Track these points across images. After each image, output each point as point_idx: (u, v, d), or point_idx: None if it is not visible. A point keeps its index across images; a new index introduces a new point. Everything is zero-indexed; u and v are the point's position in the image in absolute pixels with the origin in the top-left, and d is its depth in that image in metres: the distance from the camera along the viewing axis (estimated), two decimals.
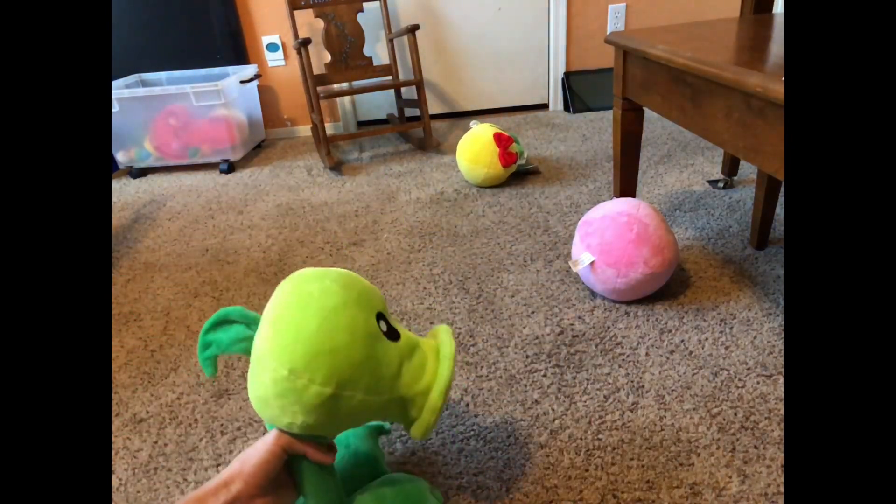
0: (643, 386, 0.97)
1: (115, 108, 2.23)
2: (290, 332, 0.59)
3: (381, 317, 0.65)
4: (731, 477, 0.79)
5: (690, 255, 1.36)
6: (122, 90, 2.22)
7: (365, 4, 2.43)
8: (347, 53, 2.44)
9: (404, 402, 0.66)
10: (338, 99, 2.71)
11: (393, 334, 0.66)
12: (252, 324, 0.64)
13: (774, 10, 1.70)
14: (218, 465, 0.89)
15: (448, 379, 0.65)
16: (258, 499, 0.60)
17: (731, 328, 1.09)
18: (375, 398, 0.63)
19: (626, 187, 1.35)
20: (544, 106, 2.84)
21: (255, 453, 0.61)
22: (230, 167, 2.33)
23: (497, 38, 2.68)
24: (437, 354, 0.67)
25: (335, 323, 0.60)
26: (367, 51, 2.47)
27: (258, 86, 2.60)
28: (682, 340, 1.07)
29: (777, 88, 0.70)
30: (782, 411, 0.90)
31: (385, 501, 0.69)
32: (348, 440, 0.80)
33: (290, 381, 0.58)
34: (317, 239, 1.64)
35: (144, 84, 2.56)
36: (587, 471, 0.82)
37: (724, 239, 1.42)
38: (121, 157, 2.36)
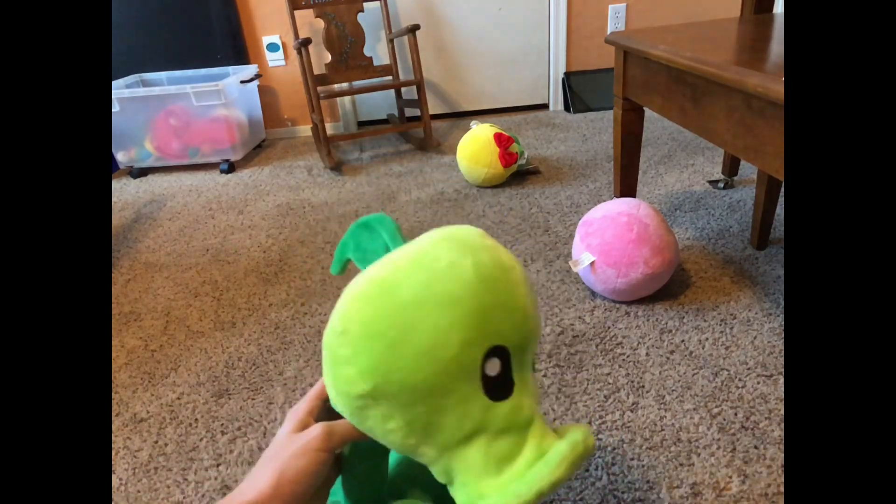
0: (643, 386, 0.97)
1: (116, 108, 2.24)
2: (376, 286, 0.42)
3: (499, 354, 0.42)
4: (731, 477, 0.79)
5: (690, 255, 1.36)
6: (122, 90, 2.22)
7: (365, 4, 2.43)
8: (348, 53, 2.44)
9: (452, 481, 0.43)
10: (338, 99, 2.71)
11: (501, 388, 0.42)
12: (390, 249, 0.48)
13: (774, 10, 1.70)
14: (218, 465, 0.89)
15: (539, 488, 0.38)
16: None
17: (732, 328, 1.09)
18: (415, 445, 0.42)
19: (627, 187, 1.35)
20: (544, 106, 2.84)
21: (296, 463, 0.43)
22: (230, 167, 2.33)
23: (497, 38, 2.69)
24: (541, 454, 0.41)
25: (426, 316, 0.40)
26: (367, 51, 2.47)
27: (258, 86, 2.60)
28: (683, 340, 1.07)
29: (777, 88, 0.70)
30: (782, 411, 0.90)
31: None
32: None
33: (336, 342, 0.42)
34: (317, 239, 1.64)
35: (145, 84, 2.56)
36: (587, 471, 0.82)
37: (725, 239, 1.42)
38: (121, 157, 2.36)
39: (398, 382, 0.40)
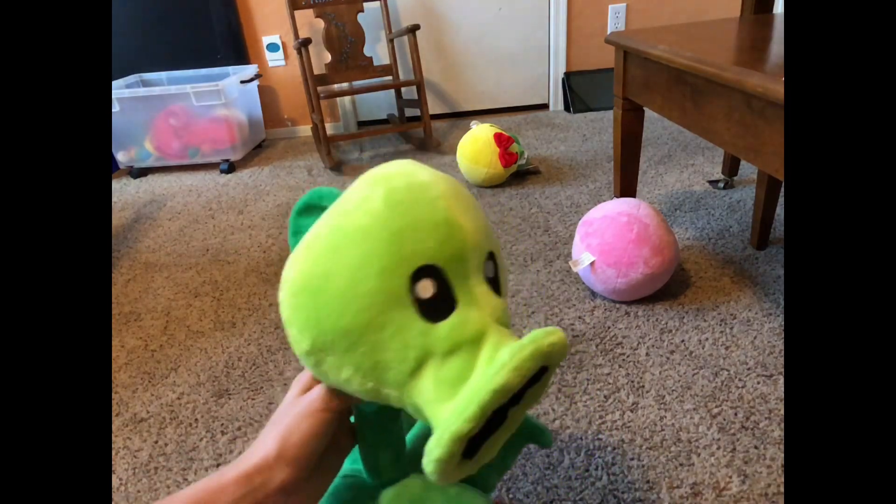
0: (643, 386, 0.97)
1: (116, 108, 2.23)
2: (301, 246, 0.42)
3: (430, 273, 0.39)
4: (731, 477, 0.79)
5: (690, 255, 1.36)
6: (122, 90, 2.22)
7: (365, 4, 2.43)
8: (348, 53, 2.44)
9: (423, 416, 0.41)
10: (338, 99, 2.71)
11: (439, 308, 0.39)
12: None
13: (774, 10, 1.70)
14: (218, 465, 0.89)
15: (479, 401, 0.35)
16: (303, 486, 0.42)
17: (732, 328, 1.09)
18: (376, 389, 0.41)
19: (627, 187, 1.35)
20: (544, 106, 2.84)
21: (299, 425, 0.42)
22: (230, 167, 2.33)
23: (497, 38, 2.68)
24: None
25: (340, 257, 0.39)
26: (367, 51, 2.47)
27: (258, 86, 2.60)
28: (683, 340, 1.07)
29: (777, 88, 0.70)
30: (782, 411, 0.90)
31: None
32: None
33: (281, 310, 0.43)
34: None
35: (145, 84, 2.56)
36: (587, 471, 0.82)
37: (725, 239, 1.42)
38: (121, 157, 2.36)
39: (331, 330, 0.39)
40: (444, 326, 0.39)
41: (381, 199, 0.40)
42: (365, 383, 0.41)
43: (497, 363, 0.36)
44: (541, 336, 0.37)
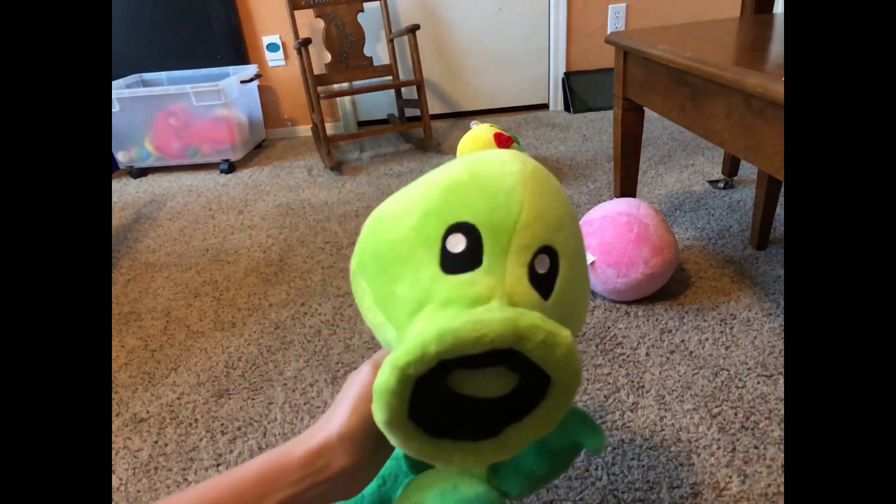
0: (643, 386, 0.97)
1: (116, 108, 2.23)
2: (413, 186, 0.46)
3: (467, 231, 0.39)
4: (731, 477, 0.79)
5: (690, 255, 1.36)
6: (122, 90, 2.22)
7: (365, 4, 2.43)
8: (348, 53, 2.44)
9: None
10: (338, 99, 2.71)
11: (460, 264, 0.38)
12: None
13: (774, 10, 1.70)
14: (218, 465, 0.89)
15: (423, 338, 0.33)
16: (358, 472, 0.42)
17: (732, 328, 1.09)
18: (383, 323, 0.41)
19: (627, 187, 1.35)
20: (544, 106, 2.84)
21: (357, 407, 0.42)
22: (230, 167, 2.33)
23: (497, 38, 2.68)
24: None
25: (405, 196, 0.43)
26: (367, 51, 2.47)
27: (258, 86, 2.60)
28: (683, 340, 1.07)
29: (777, 88, 0.70)
30: (782, 411, 0.90)
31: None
32: None
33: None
34: (317, 239, 1.64)
35: (145, 84, 2.56)
36: (587, 471, 0.82)
37: (725, 239, 1.42)
38: (121, 157, 2.36)
39: (369, 252, 0.43)
40: (452, 279, 0.38)
41: (466, 164, 0.43)
42: (377, 315, 0.42)
43: (464, 314, 0.34)
44: (527, 315, 0.34)
